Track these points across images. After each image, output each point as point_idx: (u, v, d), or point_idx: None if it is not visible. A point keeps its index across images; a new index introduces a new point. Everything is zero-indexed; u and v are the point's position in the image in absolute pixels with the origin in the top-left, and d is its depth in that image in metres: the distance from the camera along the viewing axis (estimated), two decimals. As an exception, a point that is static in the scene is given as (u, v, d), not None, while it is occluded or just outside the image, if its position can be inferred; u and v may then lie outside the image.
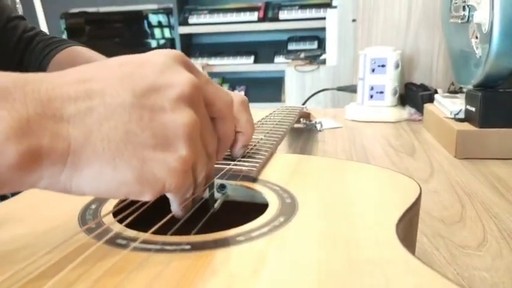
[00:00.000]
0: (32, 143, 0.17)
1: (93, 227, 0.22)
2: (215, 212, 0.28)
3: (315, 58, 2.15)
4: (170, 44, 4.07)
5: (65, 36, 4.11)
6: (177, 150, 0.21)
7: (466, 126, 0.66)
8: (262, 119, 0.58)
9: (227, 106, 0.26)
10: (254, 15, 3.77)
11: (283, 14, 3.73)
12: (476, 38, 0.65)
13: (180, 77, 0.22)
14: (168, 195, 0.22)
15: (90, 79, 0.20)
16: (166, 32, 4.11)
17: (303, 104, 1.06)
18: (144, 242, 0.20)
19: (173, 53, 0.23)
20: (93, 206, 0.25)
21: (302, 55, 2.26)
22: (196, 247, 0.20)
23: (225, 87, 4.09)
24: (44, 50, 0.54)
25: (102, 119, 0.19)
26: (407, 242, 0.26)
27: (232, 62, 3.88)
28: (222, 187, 0.31)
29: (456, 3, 0.71)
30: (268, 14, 3.78)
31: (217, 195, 0.31)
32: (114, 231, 0.21)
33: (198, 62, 3.88)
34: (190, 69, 0.23)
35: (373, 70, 0.91)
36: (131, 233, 0.21)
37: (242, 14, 3.80)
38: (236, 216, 0.25)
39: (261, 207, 0.26)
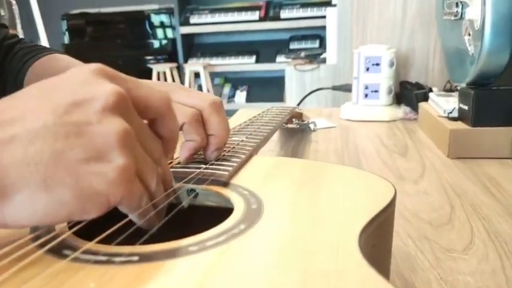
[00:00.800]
0: None
1: (41, 234, 0.21)
2: (181, 219, 0.27)
3: (315, 57, 2.14)
4: (172, 44, 4.08)
5: (66, 37, 4.12)
6: (112, 160, 0.20)
7: (459, 125, 0.65)
8: (249, 120, 0.57)
9: (163, 104, 0.25)
10: (255, 15, 3.76)
11: (284, 13, 3.72)
12: (469, 35, 0.63)
13: (102, 88, 0.21)
14: (120, 207, 0.22)
15: (10, 107, 0.20)
16: (168, 32, 4.12)
17: (298, 104, 1.05)
18: (89, 252, 0.19)
19: (91, 67, 0.22)
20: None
21: (302, 54, 2.25)
22: (144, 258, 0.19)
23: (228, 87, 4.08)
24: (24, 57, 0.53)
25: (26, 144, 0.19)
26: (378, 249, 0.25)
27: (234, 62, 3.88)
28: (191, 191, 0.30)
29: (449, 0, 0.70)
30: (270, 13, 3.77)
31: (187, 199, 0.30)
32: (60, 239, 0.20)
33: (200, 62, 3.88)
34: (113, 78, 0.23)
35: (367, 69, 0.90)
36: (82, 242, 0.20)
37: (243, 13, 3.79)
38: (202, 222, 0.24)
39: (228, 213, 0.25)
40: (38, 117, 0.19)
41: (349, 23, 1.44)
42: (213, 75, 3.99)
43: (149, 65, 3.78)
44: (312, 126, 0.81)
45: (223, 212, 0.25)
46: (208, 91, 3.63)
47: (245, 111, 1.02)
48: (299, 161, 0.37)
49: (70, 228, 0.22)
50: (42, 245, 0.20)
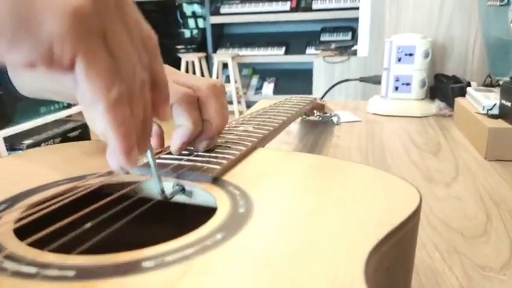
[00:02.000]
0: None
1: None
2: (158, 220, 0.23)
3: (346, 49, 2.05)
4: (202, 33, 4.06)
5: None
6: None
7: (500, 123, 0.57)
8: (263, 109, 0.52)
9: (149, 38, 0.21)
10: (286, 5, 3.68)
11: (316, 4, 3.62)
12: (517, 21, 0.56)
13: None
14: (80, 76, 0.17)
15: None
16: (199, 22, 4.10)
17: (323, 95, 0.99)
18: (13, 258, 0.15)
19: None
20: (0, 208, 0.20)
21: (333, 46, 2.17)
22: (82, 275, 0.15)
23: (255, 79, 4.03)
24: None
25: None
26: (394, 272, 0.20)
27: (263, 53, 3.82)
28: (177, 185, 0.26)
29: (495, -18, 0.62)
30: (301, 3, 3.68)
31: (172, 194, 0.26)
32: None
33: (229, 53, 3.84)
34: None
35: (399, 59, 0.83)
36: (11, 245, 0.16)
37: (274, 3, 3.72)
38: (179, 224, 0.20)
39: (211, 215, 0.21)
40: None
41: (383, 8, 1.35)
42: (241, 66, 3.95)
43: (179, 55, 3.78)
44: (334, 119, 0.75)
45: (206, 213, 0.21)
46: (235, 82, 3.59)
47: (266, 102, 0.97)
48: (308, 156, 0.32)
49: (15, 231, 0.18)
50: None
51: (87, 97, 0.18)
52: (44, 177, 0.25)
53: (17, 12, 0.16)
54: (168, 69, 0.33)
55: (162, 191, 0.25)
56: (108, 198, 0.21)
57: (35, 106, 1.83)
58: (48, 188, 0.23)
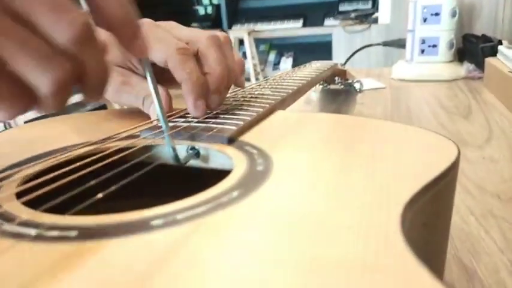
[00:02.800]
0: None
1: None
2: (171, 182, 0.21)
3: (366, 17, 1.98)
4: (216, 10, 4.00)
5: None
6: None
7: (538, 80, 0.53)
8: (281, 73, 0.50)
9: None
10: (303, -24, 3.57)
11: (334, -28, 3.49)
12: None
13: None
14: None
15: None
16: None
17: (345, 63, 0.95)
18: (24, 223, 0.14)
19: None
20: (5, 173, 0.19)
21: (352, 15, 2.09)
22: (84, 234, 0.13)
23: (273, 54, 3.96)
24: None
25: None
26: (431, 228, 0.18)
27: (279, 27, 3.73)
28: (192, 149, 0.24)
29: None
30: (318, -27, 3.55)
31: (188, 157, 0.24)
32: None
33: (244, 28, 3.77)
34: None
35: (425, 20, 0.78)
36: (26, 213, 0.15)
37: (290, -26, 3.61)
38: (193, 187, 0.18)
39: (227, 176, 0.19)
40: None
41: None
42: (257, 42, 3.88)
43: (194, 33, 3.74)
44: (357, 86, 0.72)
45: (222, 176, 0.19)
46: (252, 58, 3.54)
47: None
48: (332, 116, 0.29)
49: (17, 195, 0.17)
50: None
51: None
52: (61, 141, 0.24)
53: None
54: (170, 24, 0.31)
55: (177, 157, 0.23)
56: (121, 168, 0.20)
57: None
58: (64, 151, 0.22)
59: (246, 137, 0.24)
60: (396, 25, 1.68)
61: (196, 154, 0.25)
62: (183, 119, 0.27)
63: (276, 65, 3.92)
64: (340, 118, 0.28)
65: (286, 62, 3.90)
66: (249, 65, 3.45)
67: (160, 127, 0.24)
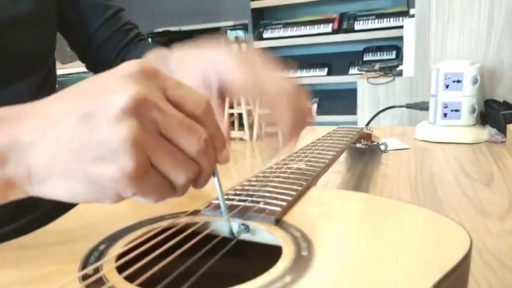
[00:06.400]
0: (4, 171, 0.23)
1: (89, 273, 0.21)
2: (226, 254, 0.26)
3: (390, 69, 2.03)
4: (245, 57, 4.19)
5: (149, 54, 4.44)
6: (118, 162, 0.22)
7: (557, 153, 0.56)
8: (312, 143, 0.55)
9: (198, 107, 0.25)
10: (329, 27, 3.71)
11: (358, 25, 3.62)
12: None
13: (123, 91, 0.23)
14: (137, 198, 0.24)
15: (49, 104, 0.24)
16: (243, 47, 4.24)
17: (368, 123, 1.00)
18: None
19: (124, 70, 0.24)
20: (101, 247, 0.25)
21: (377, 66, 2.16)
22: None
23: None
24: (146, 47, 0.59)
25: (52, 141, 0.23)
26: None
27: (305, 75, 3.86)
28: (243, 225, 0.29)
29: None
30: (343, 25, 3.70)
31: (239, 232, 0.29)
32: (106, 283, 0.20)
33: (272, 76, 3.91)
34: (150, 77, 0.24)
35: (447, 86, 0.83)
36: (122, 285, 0.20)
37: (316, 26, 3.77)
38: (249, 262, 0.23)
39: (276, 253, 0.23)
40: (64, 118, 0.23)
41: (428, 34, 1.34)
42: (284, 88, 3.99)
43: (223, 79, 3.90)
44: (382, 147, 0.76)
45: (271, 252, 0.23)
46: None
47: (309, 128, 0.99)
48: (362, 196, 0.34)
49: (119, 270, 0.22)
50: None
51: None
52: (129, 217, 0.30)
53: (91, 185, 0.23)
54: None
55: (232, 232, 0.28)
56: (194, 240, 0.25)
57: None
58: (136, 228, 0.27)
59: (288, 218, 0.29)
60: (420, 78, 1.73)
61: (246, 229, 0.29)
62: (235, 197, 0.33)
63: (301, 111, 4.00)
64: (368, 199, 0.33)
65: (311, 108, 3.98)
66: (275, 110, 3.53)
67: (218, 206, 0.29)
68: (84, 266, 0.23)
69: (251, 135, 3.67)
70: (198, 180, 0.26)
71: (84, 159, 0.22)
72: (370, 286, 0.20)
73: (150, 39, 4.44)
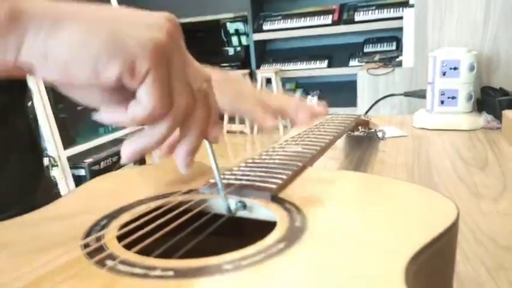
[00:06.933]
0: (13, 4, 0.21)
1: (91, 243, 0.22)
2: (221, 231, 0.27)
3: (390, 60, 2.04)
4: (245, 50, 4.18)
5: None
6: (152, 33, 0.23)
7: (550, 137, 0.57)
8: (309, 129, 0.56)
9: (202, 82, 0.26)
10: (328, 19, 3.70)
11: (358, 16, 3.61)
12: None
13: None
14: (142, 96, 0.23)
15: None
16: (242, 39, 4.23)
17: (367, 111, 1.01)
18: (127, 263, 0.20)
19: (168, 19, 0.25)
20: (103, 222, 0.26)
21: (376, 57, 2.16)
22: (179, 274, 0.19)
23: (299, 93, 4.07)
24: None
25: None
26: (434, 277, 0.23)
27: (305, 67, 3.86)
28: (240, 202, 0.30)
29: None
30: (343, 16, 3.69)
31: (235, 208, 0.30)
32: (106, 250, 0.21)
33: (272, 68, 3.92)
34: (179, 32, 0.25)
35: (444, 73, 0.84)
36: (121, 252, 0.21)
37: (316, 17, 3.75)
38: (245, 235, 0.24)
39: (271, 227, 0.25)
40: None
41: (426, 23, 1.34)
42: (284, 81, 4.00)
43: (223, 72, 3.91)
44: (380, 134, 0.77)
45: (265, 226, 0.25)
46: (279, 96, 3.63)
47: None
48: (356, 175, 0.35)
49: (118, 238, 0.23)
50: (89, 254, 0.21)
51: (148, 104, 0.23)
52: (134, 194, 0.31)
53: (112, 44, 0.22)
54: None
55: (229, 209, 0.29)
56: (189, 214, 0.26)
57: (95, 128, 1.98)
58: (137, 206, 0.29)
59: (284, 194, 0.30)
60: (420, 68, 1.73)
61: (244, 206, 0.30)
62: (232, 176, 0.34)
63: (302, 103, 4.01)
64: (362, 177, 0.34)
65: (312, 101, 3.98)
66: (275, 103, 3.54)
67: (216, 184, 0.30)
68: (86, 237, 0.24)
69: (252, 128, 3.68)
70: (189, 124, 0.26)
71: (121, 20, 0.23)
72: (358, 249, 0.21)
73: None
